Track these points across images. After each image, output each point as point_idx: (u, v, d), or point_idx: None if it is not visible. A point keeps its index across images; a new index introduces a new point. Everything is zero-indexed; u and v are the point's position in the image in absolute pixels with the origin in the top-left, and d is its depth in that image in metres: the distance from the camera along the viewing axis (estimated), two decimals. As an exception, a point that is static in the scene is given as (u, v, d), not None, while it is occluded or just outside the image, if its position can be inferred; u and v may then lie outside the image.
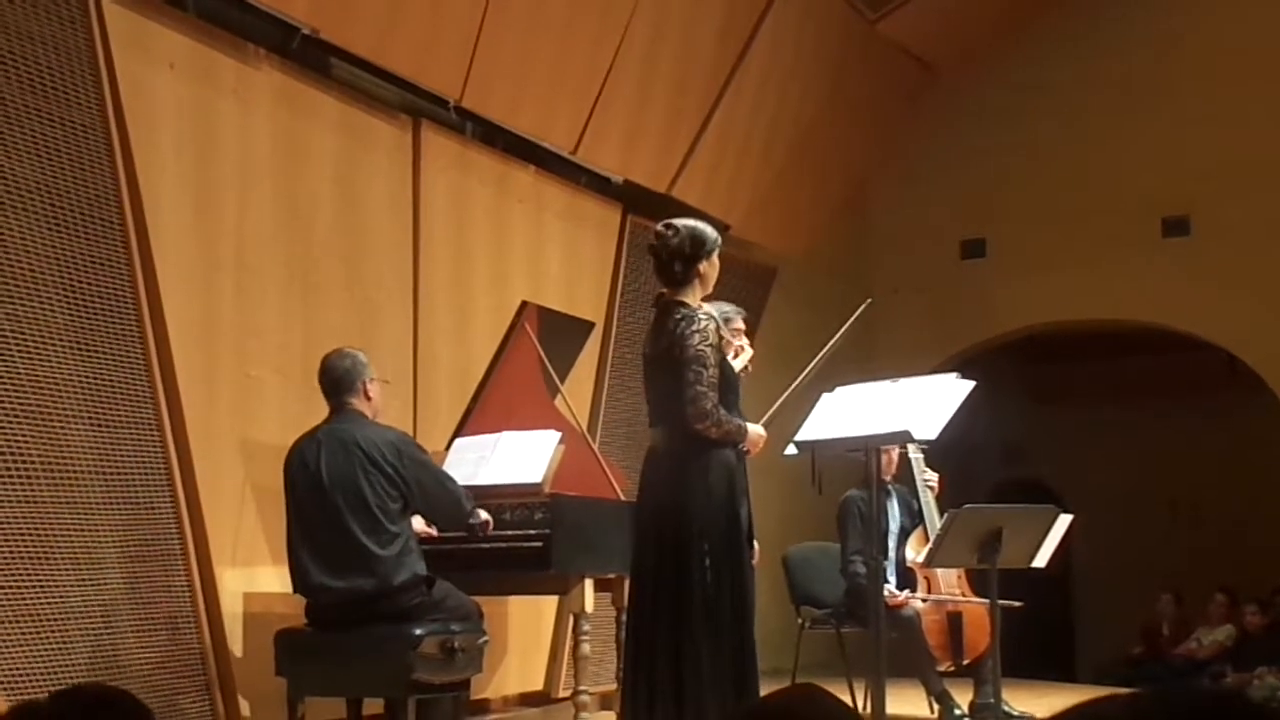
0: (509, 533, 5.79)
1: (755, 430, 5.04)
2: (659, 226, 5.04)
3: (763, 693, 4.78)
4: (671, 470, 4.90)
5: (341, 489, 5.21)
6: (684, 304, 4.91)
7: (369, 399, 5.47)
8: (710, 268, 4.99)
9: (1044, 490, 13.01)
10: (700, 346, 4.78)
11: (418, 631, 5.12)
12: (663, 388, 4.93)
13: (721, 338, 4.92)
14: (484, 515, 5.65)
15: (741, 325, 5.98)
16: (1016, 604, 6.89)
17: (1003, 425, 13.45)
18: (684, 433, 4.84)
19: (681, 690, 4.73)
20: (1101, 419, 13.81)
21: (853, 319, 5.70)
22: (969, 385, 5.58)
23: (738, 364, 5.22)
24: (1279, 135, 10.36)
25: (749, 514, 5.65)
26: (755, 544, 6.09)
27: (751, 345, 5.98)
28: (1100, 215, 10.96)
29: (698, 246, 4.94)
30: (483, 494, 5.77)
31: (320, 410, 5.85)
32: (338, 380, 5.42)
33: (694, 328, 4.81)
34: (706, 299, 5.04)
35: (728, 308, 6.07)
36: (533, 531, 5.78)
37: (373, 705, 5.54)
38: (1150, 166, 10.82)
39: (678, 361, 4.80)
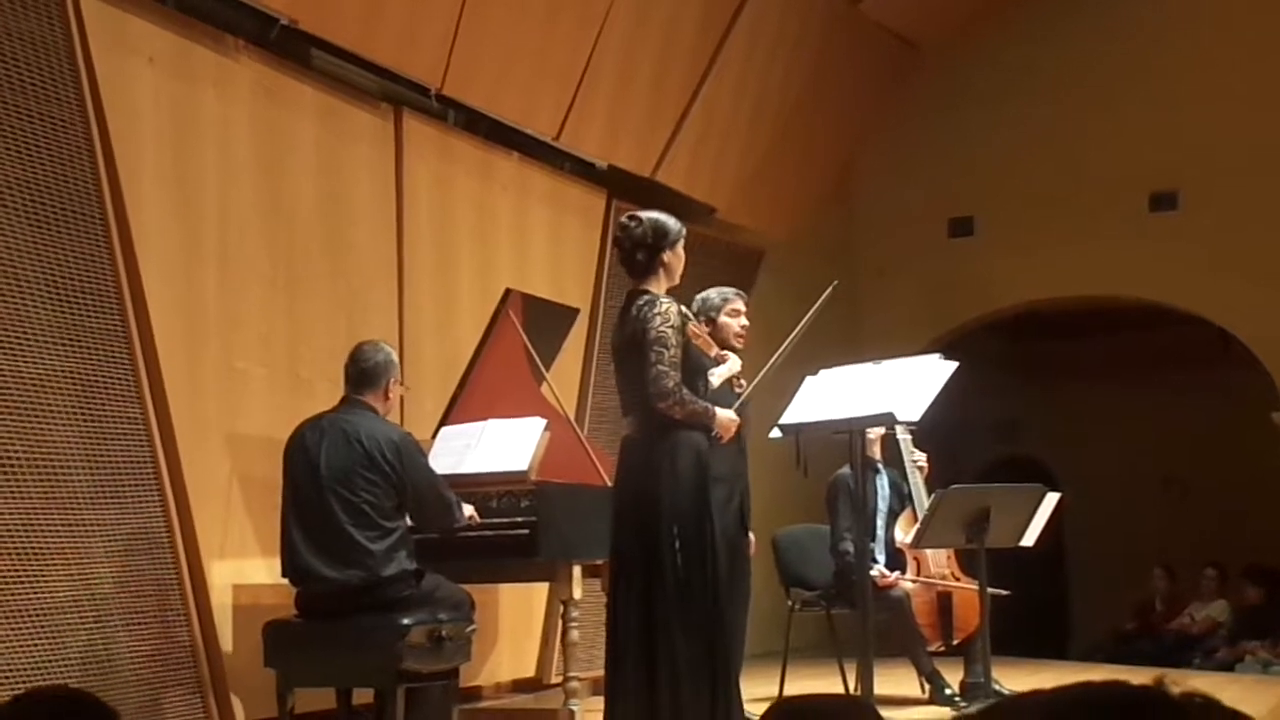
0: (495, 521, 5.79)
1: (725, 415, 5.03)
2: (623, 219, 5.11)
3: (743, 680, 4.81)
4: (643, 456, 4.92)
5: (336, 481, 5.21)
6: (647, 291, 4.96)
7: (387, 398, 5.48)
8: (674, 258, 5.03)
9: (1036, 467, 13.05)
10: (661, 328, 4.82)
11: (405, 621, 5.13)
12: (632, 375, 4.96)
13: (686, 322, 4.93)
14: (469, 509, 5.65)
15: (741, 306, 6.03)
16: (1004, 592, 6.90)
17: (994, 403, 13.46)
18: (652, 417, 4.86)
19: (655, 679, 4.75)
20: (1093, 395, 13.81)
21: (819, 303, 5.66)
22: (952, 366, 5.59)
23: (720, 374, 5.17)
24: (1266, 112, 10.35)
25: (742, 503, 5.63)
26: (751, 535, 6.10)
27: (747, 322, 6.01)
28: (1087, 191, 10.94)
29: (660, 237, 4.99)
30: (469, 482, 5.77)
31: (307, 400, 5.86)
32: (363, 373, 5.42)
33: (655, 310, 4.86)
34: (673, 290, 5.06)
35: (728, 290, 6.11)
36: (519, 519, 5.79)
37: (362, 695, 5.55)
38: (1137, 142, 10.79)
39: (640, 345, 4.83)
